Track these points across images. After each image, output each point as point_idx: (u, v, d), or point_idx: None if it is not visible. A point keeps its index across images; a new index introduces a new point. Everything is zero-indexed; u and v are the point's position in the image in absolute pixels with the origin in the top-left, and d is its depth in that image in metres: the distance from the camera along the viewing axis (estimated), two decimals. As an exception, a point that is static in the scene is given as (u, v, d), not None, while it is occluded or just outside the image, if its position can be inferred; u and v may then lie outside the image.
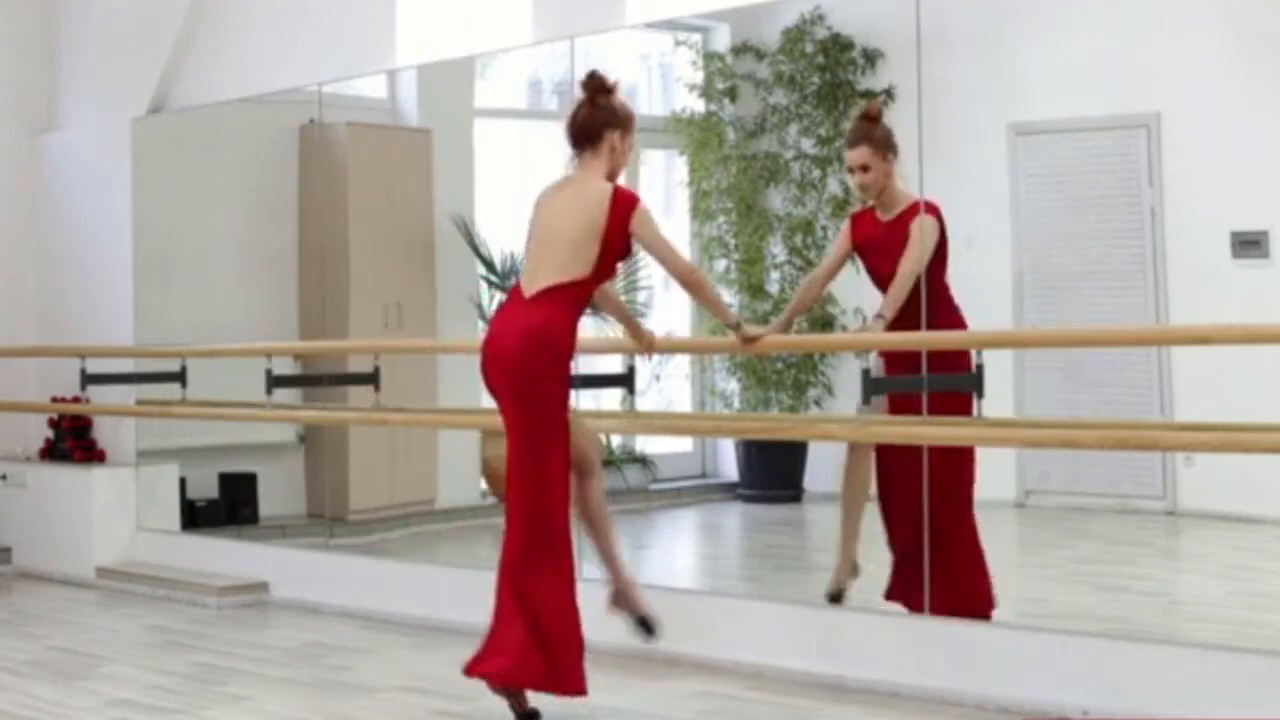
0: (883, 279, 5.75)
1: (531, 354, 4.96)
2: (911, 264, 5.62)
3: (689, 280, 5.16)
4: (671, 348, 7.02)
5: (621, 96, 5.18)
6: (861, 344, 5.69)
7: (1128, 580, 6.36)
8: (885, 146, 5.77)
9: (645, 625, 5.32)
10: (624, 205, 5.00)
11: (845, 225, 5.95)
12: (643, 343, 5.57)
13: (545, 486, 5.01)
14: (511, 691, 5.07)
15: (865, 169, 5.77)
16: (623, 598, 5.31)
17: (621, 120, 5.14)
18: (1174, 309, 6.17)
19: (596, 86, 5.15)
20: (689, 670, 5.88)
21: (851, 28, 7.42)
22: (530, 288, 5.03)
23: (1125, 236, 6.43)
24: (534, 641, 4.96)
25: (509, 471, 5.09)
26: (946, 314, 5.66)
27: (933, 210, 5.65)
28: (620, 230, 4.99)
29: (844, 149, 5.96)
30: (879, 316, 5.69)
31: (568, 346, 5.03)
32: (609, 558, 5.29)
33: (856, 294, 6.28)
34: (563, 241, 5.01)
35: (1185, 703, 4.82)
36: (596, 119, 5.11)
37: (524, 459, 5.02)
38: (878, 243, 5.79)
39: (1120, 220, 6.48)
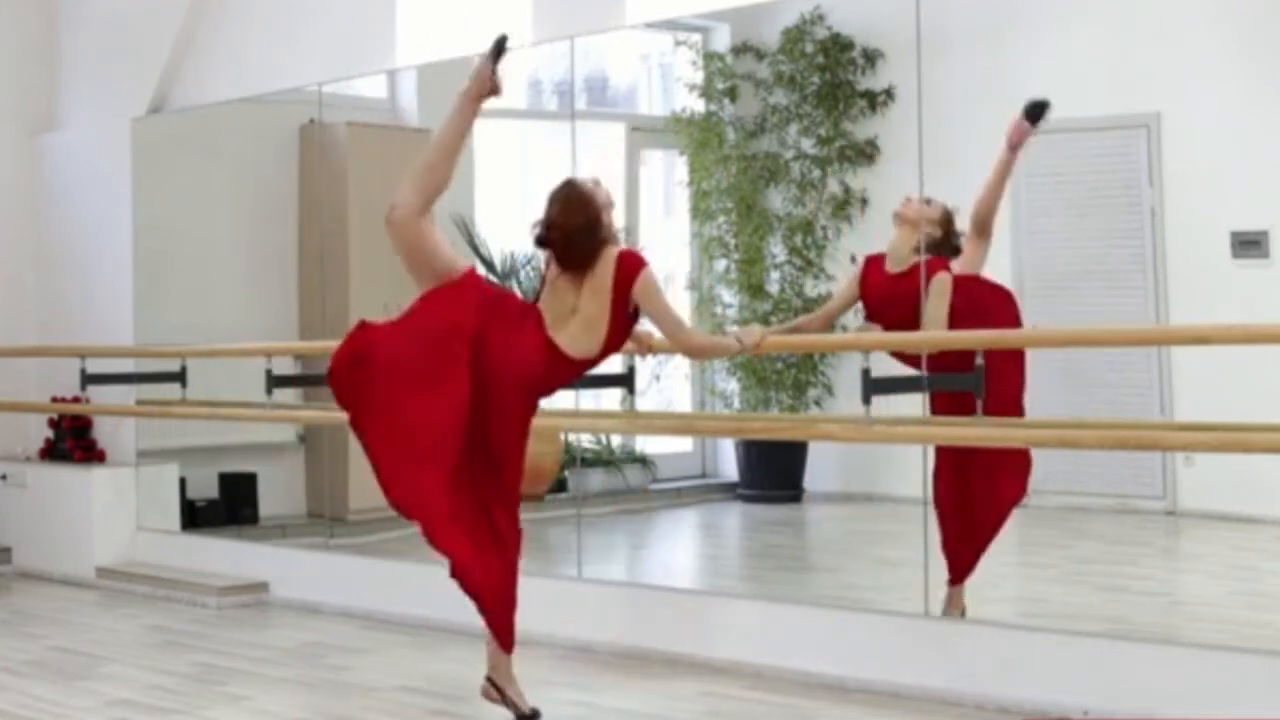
0: (886, 328, 5.76)
1: (545, 367, 5.02)
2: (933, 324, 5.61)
3: (692, 354, 5.41)
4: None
5: (584, 188, 5.02)
6: (861, 344, 5.69)
7: (1128, 580, 6.35)
8: (948, 229, 5.71)
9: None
10: (628, 273, 4.96)
11: (858, 269, 5.93)
12: (640, 344, 5.56)
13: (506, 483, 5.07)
14: (505, 696, 5.06)
15: (928, 201, 5.72)
16: None
17: (601, 224, 5.01)
18: (1174, 309, 6.16)
19: (566, 207, 4.99)
20: (689, 670, 5.88)
21: (851, 28, 7.41)
22: (551, 330, 5.01)
23: (1125, 236, 6.42)
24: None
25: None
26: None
27: (946, 266, 5.67)
28: (626, 301, 4.98)
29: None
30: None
31: (549, 388, 5.15)
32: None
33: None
34: (578, 317, 5.01)
35: (1185, 703, 4.82)
36: (583, 246, 4.98)
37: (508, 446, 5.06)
38: (883, 294, 5.79)
39: (1120, 220, 6.47)
